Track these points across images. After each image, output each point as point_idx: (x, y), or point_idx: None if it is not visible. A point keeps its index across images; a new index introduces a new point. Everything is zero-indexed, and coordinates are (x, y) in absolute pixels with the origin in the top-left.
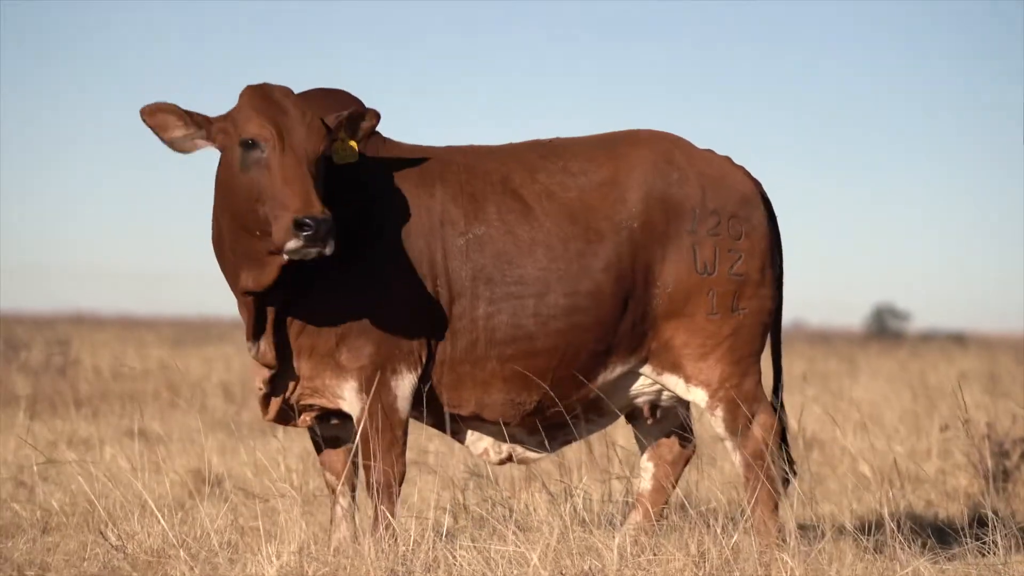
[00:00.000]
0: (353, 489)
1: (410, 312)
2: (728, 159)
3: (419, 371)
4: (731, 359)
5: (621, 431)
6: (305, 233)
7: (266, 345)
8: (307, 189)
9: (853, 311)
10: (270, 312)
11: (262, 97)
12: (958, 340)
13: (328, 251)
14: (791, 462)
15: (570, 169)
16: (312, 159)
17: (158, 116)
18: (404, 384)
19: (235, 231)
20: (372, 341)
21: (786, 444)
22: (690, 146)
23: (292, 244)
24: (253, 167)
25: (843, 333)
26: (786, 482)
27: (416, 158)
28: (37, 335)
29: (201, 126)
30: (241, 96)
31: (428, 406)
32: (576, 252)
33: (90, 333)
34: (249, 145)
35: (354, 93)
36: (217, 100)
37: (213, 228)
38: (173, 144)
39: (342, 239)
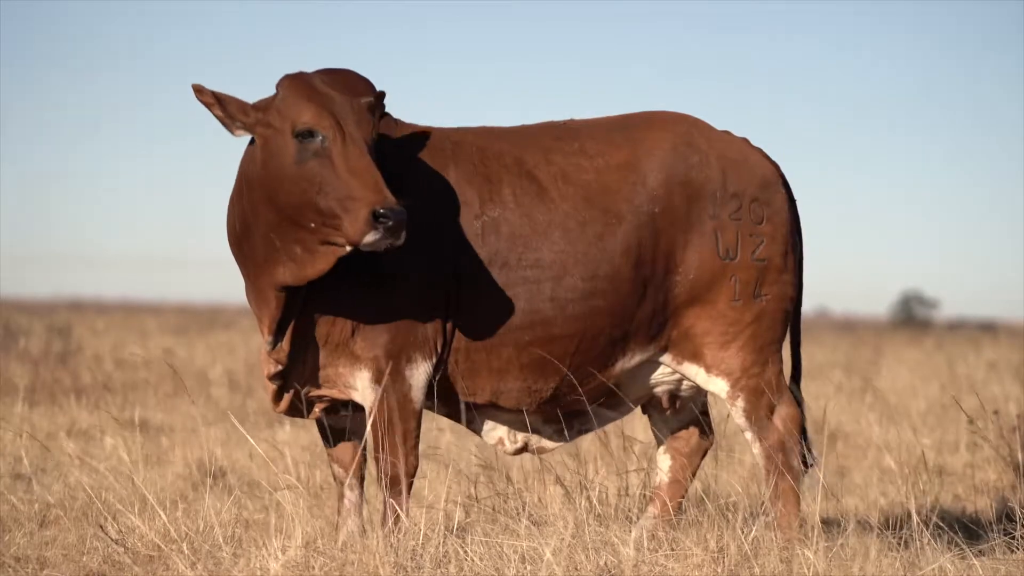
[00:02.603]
0: (362, 482)
1: (426, 298)
2: (746, 141)
3: (434, 360)
4: (753, 347)
5: (638, 423)
6: (384, 224)
7: (286, 341)
8: (377, 179)
9: (879, 298)
10: (296, 306)
11: (309, 86)
12: (988, 329)
13: (400, 242)
14: (809, 452)
15: (587, 151)
16: (370, 146)
17: (205, 95)
18: (419, 373)
19: (279, 224)
20: (387, 329)
21: (804, 435)
22: (709, 128)
23: (371, 237)
24: (312, 159)
25: (869, 321)
26: (803, 472)
27: (429, 139)
28: (37, 322)
29: (239, 115)
30: (282, 86)
31: (443, 395)
32: (594, 235)
33: (91, 319)
34: (306, 136)
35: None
36: (222, 86)
37: (236, 222)
38: (221, 122)
39: None
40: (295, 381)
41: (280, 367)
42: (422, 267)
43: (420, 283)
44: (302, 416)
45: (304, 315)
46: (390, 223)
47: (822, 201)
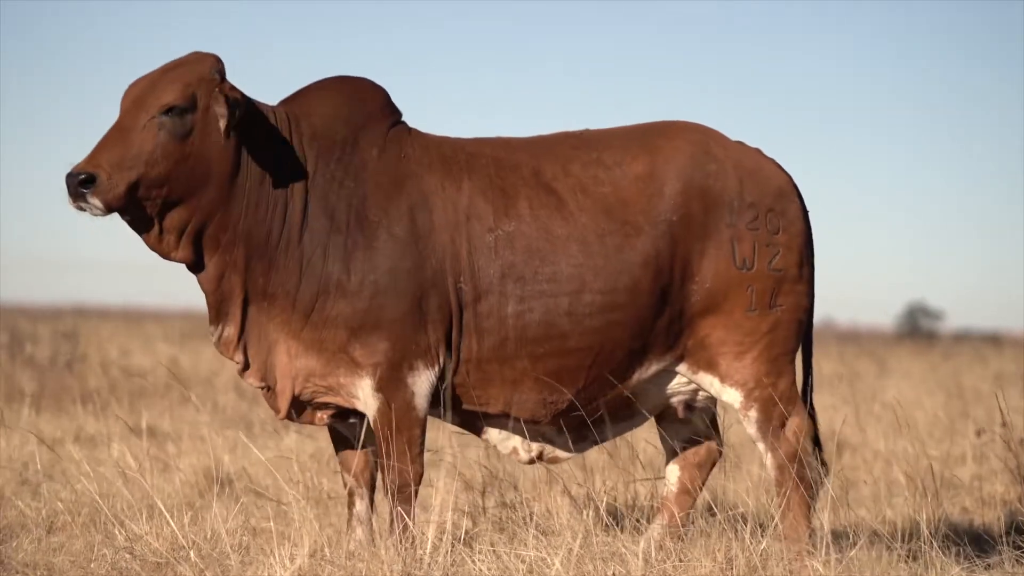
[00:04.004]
0: (372, 491)
1: (427, 307)
2: (760, 151)
3: (437, 368)
4: (767, 358)
5: (646, 433)
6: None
7: (229, 333)
8: (95, 147)
9: (884, 310)
10: (234, 296)
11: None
12: (993, 341)
13: (86, 208)
14: (823, 464)
15: (604, 161)
16: (137, 117)
17: None
18: (421, 381)
19: None
20: (386, 336)
21: (818, 445)
22: (724, 138)
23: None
24: None
25: (874, 332)
26: (818, 484)
27: (443, 150)
28: (43, 328)
29: None
30: None
31: (454, 405)
32: (613, 247)
33: (95, 325)
34: None
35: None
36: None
37: None
38: None
39: (352, 228)
40: (282, 385)
41: (238, 365)
42: (425, 276)
43: (422, 292)
44: (306, 422)
45: (288, 317)
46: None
47: (827, 212)
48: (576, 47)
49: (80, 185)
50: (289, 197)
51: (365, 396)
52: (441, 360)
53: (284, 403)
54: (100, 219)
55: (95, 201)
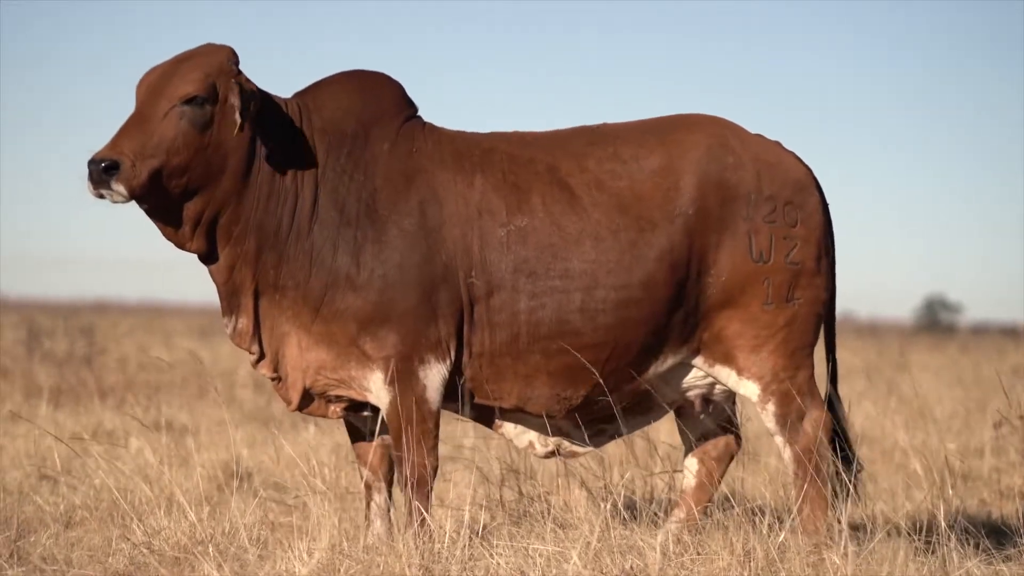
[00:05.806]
0: (389, 485)
1: (437, 301)
2: (779, 144)
3: (448, 362)
4: (785, 351)
5: (664, 426)
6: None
7: (243, 324)
8: (115, 135)
9: (903, 303)
10: (245, 288)
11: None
12: (1012, 333)
13: (107, 195)
14: (853, 455)
15: (621, 156)
16: (157, 106)
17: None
18: (433, 374)
19: None
20: (396, 330)
21: (847, 437)
22: (743, 130)
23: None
24: None
25: (893, 325)
26: (857, 472)
27: (457, 145)
28: (61, 324)
29: None
30: None
31: (468, 399)
32: (628, 242)
33: (114, 321)
34: None
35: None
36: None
37: None
38: None
39: (362, 221)
40: (293, 377)
41: (252, 355)
42: (435, 270)
43: (432, 286)
44: (319, 415)
45: (299, 310)
46: (87, 174)
47: (847, 205)
48: (589, 45)
49: (104, 172)
50: (299, 190)
51: (377, 389)
52: (452, 354)
53: (295, 395)
54: (115, 209)
55: (119, 187)
